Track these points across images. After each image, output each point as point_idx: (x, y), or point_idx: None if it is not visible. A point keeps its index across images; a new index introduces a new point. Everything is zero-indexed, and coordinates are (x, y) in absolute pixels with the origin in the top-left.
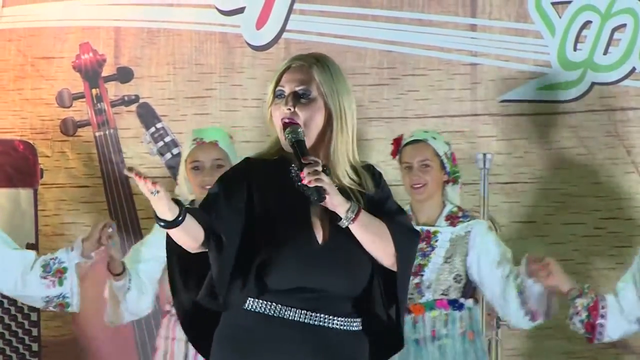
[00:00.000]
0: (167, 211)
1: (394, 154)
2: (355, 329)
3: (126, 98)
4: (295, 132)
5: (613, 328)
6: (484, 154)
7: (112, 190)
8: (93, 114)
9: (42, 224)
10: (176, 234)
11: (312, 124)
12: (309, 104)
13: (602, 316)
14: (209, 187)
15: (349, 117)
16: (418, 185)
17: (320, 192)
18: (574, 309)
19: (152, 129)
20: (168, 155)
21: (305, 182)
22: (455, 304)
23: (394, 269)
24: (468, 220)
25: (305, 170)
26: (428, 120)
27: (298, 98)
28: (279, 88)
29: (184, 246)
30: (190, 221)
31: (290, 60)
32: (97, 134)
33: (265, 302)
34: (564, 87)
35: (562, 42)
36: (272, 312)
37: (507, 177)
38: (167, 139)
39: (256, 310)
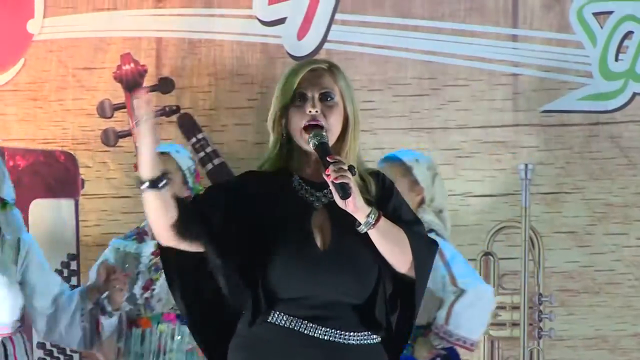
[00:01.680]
0: (150, 159)
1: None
2: (374, 341)
3: (167, 108)
4: (320, 135)
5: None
6: (526, 165)
7: None
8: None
9: (83, 234)
10: (154, 202)
11: (334, 128)
12: (333, 107)
13: None
14: None
15: (359, 123)
16: None
17: (346, 189)
18: None
19: (193, 140)
20: (209, 166)
21: (330, 178)
22: (183, 319)
23: (410, 274)
24: None
25: (331, 168)
26: (469, 131)
27: (323, 101)
28: (300, 91)
29: (156, 221)
30: (168, 193)
31: (304, 65)
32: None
33: (277, 313)
34: (606, 97)
35: (603, 53)
36: (286, 324)
37: (549, 188)
38: (208, 150)
39: (269, 321)
